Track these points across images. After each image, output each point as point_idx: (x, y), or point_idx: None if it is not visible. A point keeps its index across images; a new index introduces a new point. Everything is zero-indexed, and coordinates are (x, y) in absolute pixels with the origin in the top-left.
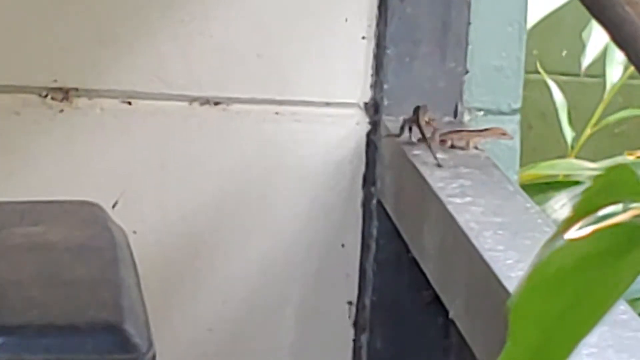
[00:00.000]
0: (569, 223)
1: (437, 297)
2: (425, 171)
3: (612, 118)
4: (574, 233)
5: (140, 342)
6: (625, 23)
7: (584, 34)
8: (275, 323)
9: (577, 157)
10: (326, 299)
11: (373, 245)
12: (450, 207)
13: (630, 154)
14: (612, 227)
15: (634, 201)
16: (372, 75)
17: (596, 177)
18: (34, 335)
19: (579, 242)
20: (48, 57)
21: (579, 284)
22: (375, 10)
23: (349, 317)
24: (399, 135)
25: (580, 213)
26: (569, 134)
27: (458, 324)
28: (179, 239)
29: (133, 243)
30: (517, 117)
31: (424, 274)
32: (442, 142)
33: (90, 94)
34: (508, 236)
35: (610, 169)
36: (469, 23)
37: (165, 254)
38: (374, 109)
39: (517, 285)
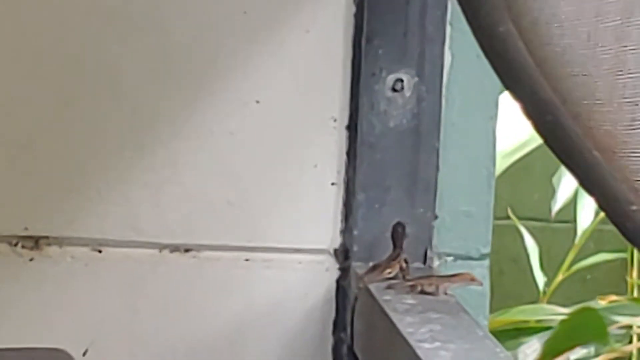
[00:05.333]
0: None
1: None
2: (395, 316)
3: (583, 263)
4: None
5: None
6: (594, 168)
7: (554, 179)
8: None
9: (549, 302)
10: None
11: None
12: (419, 352)
13: (603, 299)
14: None
15: (600, 344)
16: (341, 221)
17: (563, 320)
18: None
19: None
20: (18, 205)
21: None
22: (344, 157)
23: None
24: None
25: (548, 355)
26: (540, 279)
27: None
28: None
29: None
30: (487, 262)
31: None
32: (412, 287)
33: (60, 242)
34: None
35: (577, 312)
36: (438, 169)
37: None
38: (343, 255)
39: None
